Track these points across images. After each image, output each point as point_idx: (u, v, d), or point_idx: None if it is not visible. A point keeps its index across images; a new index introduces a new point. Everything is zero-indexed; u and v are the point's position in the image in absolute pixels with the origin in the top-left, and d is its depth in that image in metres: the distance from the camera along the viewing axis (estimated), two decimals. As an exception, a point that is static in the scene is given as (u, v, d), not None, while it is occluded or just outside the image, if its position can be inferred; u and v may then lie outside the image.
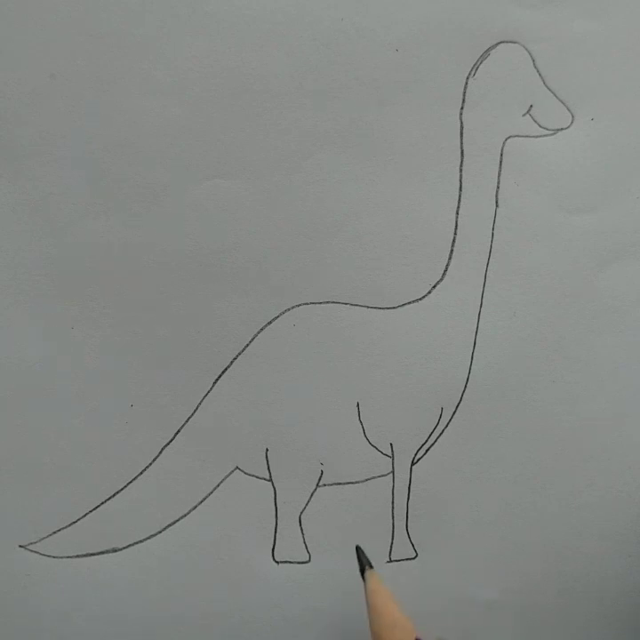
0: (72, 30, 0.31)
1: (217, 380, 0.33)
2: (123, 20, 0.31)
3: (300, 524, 0.34)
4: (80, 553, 0.33)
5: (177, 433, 0.33)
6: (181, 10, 0.31)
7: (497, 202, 0.34)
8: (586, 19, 0.33)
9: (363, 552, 0.31)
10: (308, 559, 0.34)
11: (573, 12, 0.33)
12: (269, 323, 0.33)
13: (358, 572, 0.31)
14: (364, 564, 0.31)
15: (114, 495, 0.33)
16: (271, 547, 0.34)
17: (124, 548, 0.33)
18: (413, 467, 0.34)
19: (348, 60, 0.32)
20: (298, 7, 0.32)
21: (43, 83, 0.31)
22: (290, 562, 0.34)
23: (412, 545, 0.34)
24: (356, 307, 0.33)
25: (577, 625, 0.35)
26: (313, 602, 0.34)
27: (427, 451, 0.34)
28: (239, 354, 0.33)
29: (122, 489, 0.33)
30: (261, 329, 0.33)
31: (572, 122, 0.33)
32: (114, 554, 0.33)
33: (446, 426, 0.34)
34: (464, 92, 0.33)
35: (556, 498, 0.35)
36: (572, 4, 0.33)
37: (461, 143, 0.33)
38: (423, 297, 0.34)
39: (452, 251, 0.34)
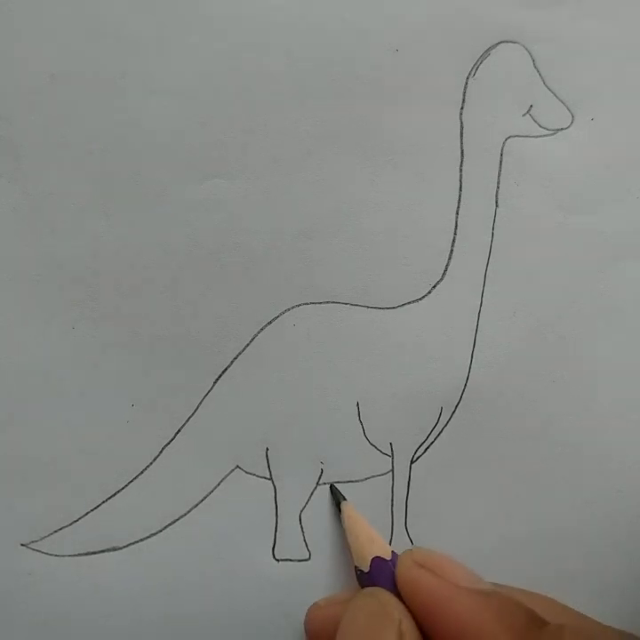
0: (72, 30, 0.31)
1: (217, 379, 0.33)
2: (123, 21, 0.31)
3: (301, 523, 0.33)
4: (81, 551, 0.33)
5: (177, 432, 0.33)
6: (181, 10, 0.31)
7: (497, 202, 0.33)
8: (586, 19, 0.33)
9: (336, 488, 0.33)
10: (308, 557, 0.34)
11: (573, 12, 0.33)
12: (269, 323, 0.33)
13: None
14: (338, 498, 0.33)
15: (115, 494, 0.33)
16: (271, 545, 0.33)
17: (125, 546, 0.33)
18: (412, 465, 0.34)
19: (348, 59, 0.32)
20: (298, 7, 0.31)
21: (43, 83, 0.31)
22: (290, 560, 0.34)
23: (411, 542, 0.34)
24: (356, 307, 0.33)
25: (576, 624, 0.34)
26: (313, 599, 0.33)
27: (426, 449, 0.34)
28: (239, 354, 0.33)
29: (123, 488, 0.33)
30: (261, 329, 0.33)
31: (571, 122, 0.33)
32: (114, 552, 0.33)
33: (445, 425, 0.34)
34: (464, 92, 0.33)
35: (555, 496, 0.34)
36: (572, 4, 0.33)
37: (461, 143, 0.33)
38: (423, 297, 0.33)
39: (451, 251, 0.33)
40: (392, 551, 0.30)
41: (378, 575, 0.30)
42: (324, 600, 0.32)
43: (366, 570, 0.30)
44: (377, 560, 0.30)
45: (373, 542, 0.31)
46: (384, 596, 0.29)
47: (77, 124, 0.31)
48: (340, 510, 0.33)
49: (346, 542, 0.32)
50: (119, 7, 0.31)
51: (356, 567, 0.31)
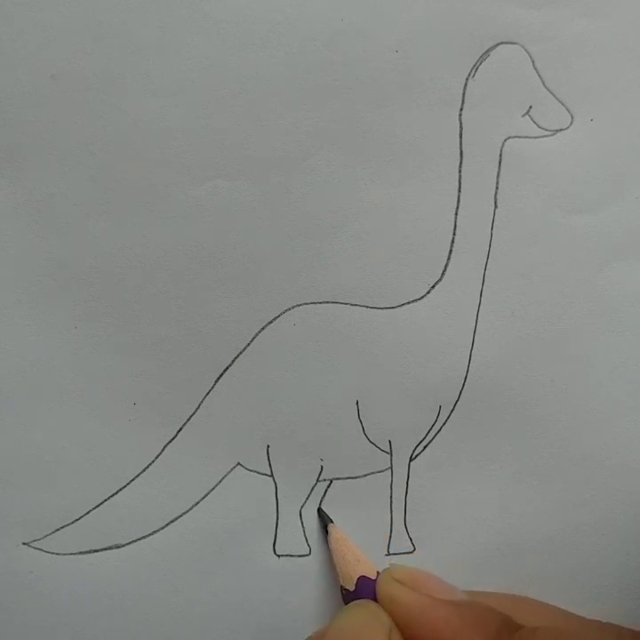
0: (72, 30, 0.29)
1: (218, 378, 0.32)
2: (123, 21, 0.30)
3: (301, 518, 0.33)
4: (83, 550, 0.32)
5: (179, 430, 0.32)
6: (182, 10, 0.30)
7: (496, 202, 0.32)
8: (586, 19, 0.31)
9: (323, 511, 0.33)
10: (308, 552, 0.33)
11: (573, 11, 0.31)
12: (270, 322, 0.32)
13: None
14: (325, 521, 0.32)
15: (117, 492, 0.32)
16: (272, 541, 0.33)
17: (127, 544, 0.32)
18: (411, 463, 0.33)
19: (347, 60, 0.31)
20: (298, 7, 0.30)
21: (44, 83, 0.30)
22: (291, 555, 0.33)
23: (410, 539, 0.33)
24: (355, 307, 0.32)
25: (573, 621, 0.33)
26: (314, 594, 0.33)
27: (425, 447, 0.33)
28: (240, 353, 0.32)
29: (125, 486, 0.32)
30: (262, 328, 0.32)
31: (571, 122, 0.32)
32: (116, 550, 0.32)
33: (444, 423, 0.33)
34: (463, 93, 0.31)
35: (554, 495, 0.33)
36: (572, 4, 0.31)
37: (460, 144, 0.32)
38: (422, 297, 0.32)
39: (450, 251, 0.32)
40: (377, 571, 0.30)
41: (363, 594, 0.30)
42: (315, 633, 0.32)
43: (352, 589, 0.30)
44: (363, 579, 0.30)
45: (359, 562, 0.31)
46: (373, 605, 0.29)
47: (78, 125, 0.30)
48: (327, 532, 0.32)
49: (332, 563, 0.32)
50: (119, 7, 0.30)
51: (341, 587, 0.31)
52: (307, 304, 0.32)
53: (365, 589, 0.30)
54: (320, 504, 0.33)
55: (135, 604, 0.32)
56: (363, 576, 0.30)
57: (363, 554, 0.31)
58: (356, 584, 0.30)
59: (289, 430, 0.32)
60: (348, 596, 0.30)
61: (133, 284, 0.31)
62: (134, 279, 0.31)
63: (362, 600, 0.30)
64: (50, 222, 0.30)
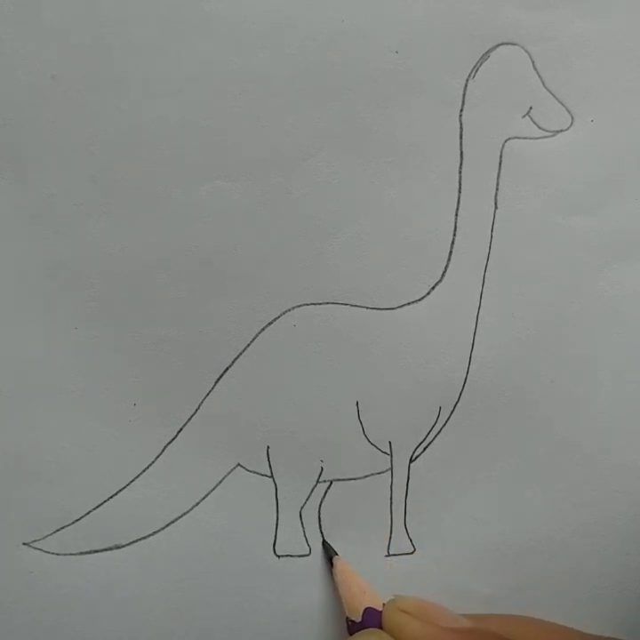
0: (73, 31, 0.29)
1: (218, 379, 0.31)
2: (123, 21, 0.29)
3: (301, 519, 0.32)
4: (83, 550, 0.32)
5: (179, 431, 0.32)
6: (182, 10, 0.29)
7: (496, 203, 0.32)
8: (586, 19, 0.31)
9: (328, 544, 0.33)
10: (308, 552, 0.33)
11: (573, 12, 0.31)
12: (270, 323, 0.31)
13: (355, 565, 0.32)
14: (330, 553, 0.32)
15: (117, 493, 0.32)
16: (272, 541, 0.32)
17: (127, 544, 0.32)
18: (411, 464, 0.33)
19: (348, 61, 0.30)
20: (298, 8, 0.30)
21: (44, 83, 0.29)
22: (291, 555, 0.32)
23: (410, 540, 0.33)
24: (355, 307, 0.32)
25: (574, 621, 0.33)
26: (313, 594, 0.32)
27: (425, 449, 0.33)
28: (240, 354, 0.31)
29: (125, 486, 0.32)
30: (262, 329, 0.31)
31: (571, 123, 0.32)
32: (117, 551, 0.32)
33: (444, 425, 0.33)
34: (463, 94, 0.31)
35: (553, 496, 0.33)
36: (572, 5, 0.31)
37: (461, 145, 0.31)
38: (422, 298, 0.32)
39: (451, 252, 0.32)
40: (383, 602, 0.30)
41: (369, 625, 0.30)
42: None
43: (359, 620, 0.30)
44: (369, 610, 0.30)
45: (365, 594, 0.31)
46: (383, 634, 0.29)
47: (78, 125, 0.30)
48: (332, 565, 0.32)
49: (338, 594, 0.32)
50: (119, 7, 0.29)
51: (347, 618, 0.31)
52: (307, 305, 0.32)
53: (371, 620, 0.30)
54: (320, 505, 0.33)
55: (135, 604, 0.32)
56: (369, 607, 0.30)
57: (368, 586, 0.31)
58: (363, 615, 0.30)
59: (289, 431, 0.32)
60: (353, 628, 0.30)
61: (133, 284, 0.31)
62: (134, 279, 0.31)
63: (371, 629, 0.30)
64: (50, 222, 0.30)
